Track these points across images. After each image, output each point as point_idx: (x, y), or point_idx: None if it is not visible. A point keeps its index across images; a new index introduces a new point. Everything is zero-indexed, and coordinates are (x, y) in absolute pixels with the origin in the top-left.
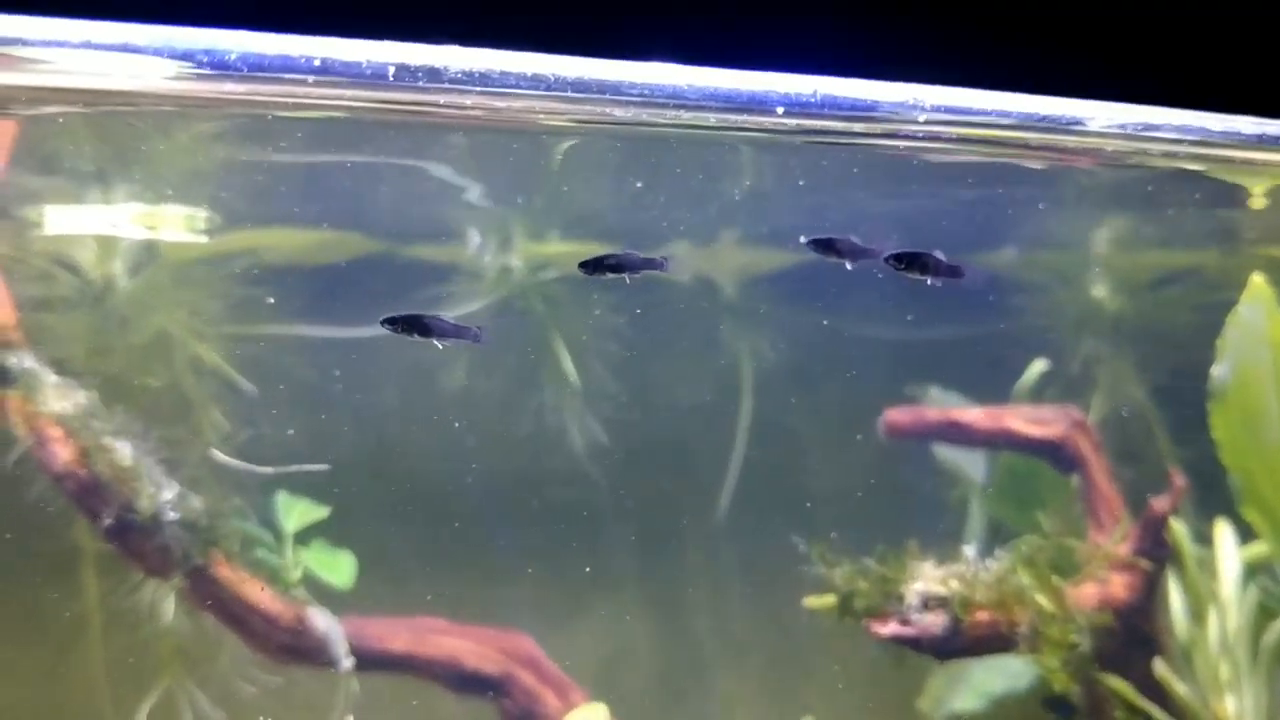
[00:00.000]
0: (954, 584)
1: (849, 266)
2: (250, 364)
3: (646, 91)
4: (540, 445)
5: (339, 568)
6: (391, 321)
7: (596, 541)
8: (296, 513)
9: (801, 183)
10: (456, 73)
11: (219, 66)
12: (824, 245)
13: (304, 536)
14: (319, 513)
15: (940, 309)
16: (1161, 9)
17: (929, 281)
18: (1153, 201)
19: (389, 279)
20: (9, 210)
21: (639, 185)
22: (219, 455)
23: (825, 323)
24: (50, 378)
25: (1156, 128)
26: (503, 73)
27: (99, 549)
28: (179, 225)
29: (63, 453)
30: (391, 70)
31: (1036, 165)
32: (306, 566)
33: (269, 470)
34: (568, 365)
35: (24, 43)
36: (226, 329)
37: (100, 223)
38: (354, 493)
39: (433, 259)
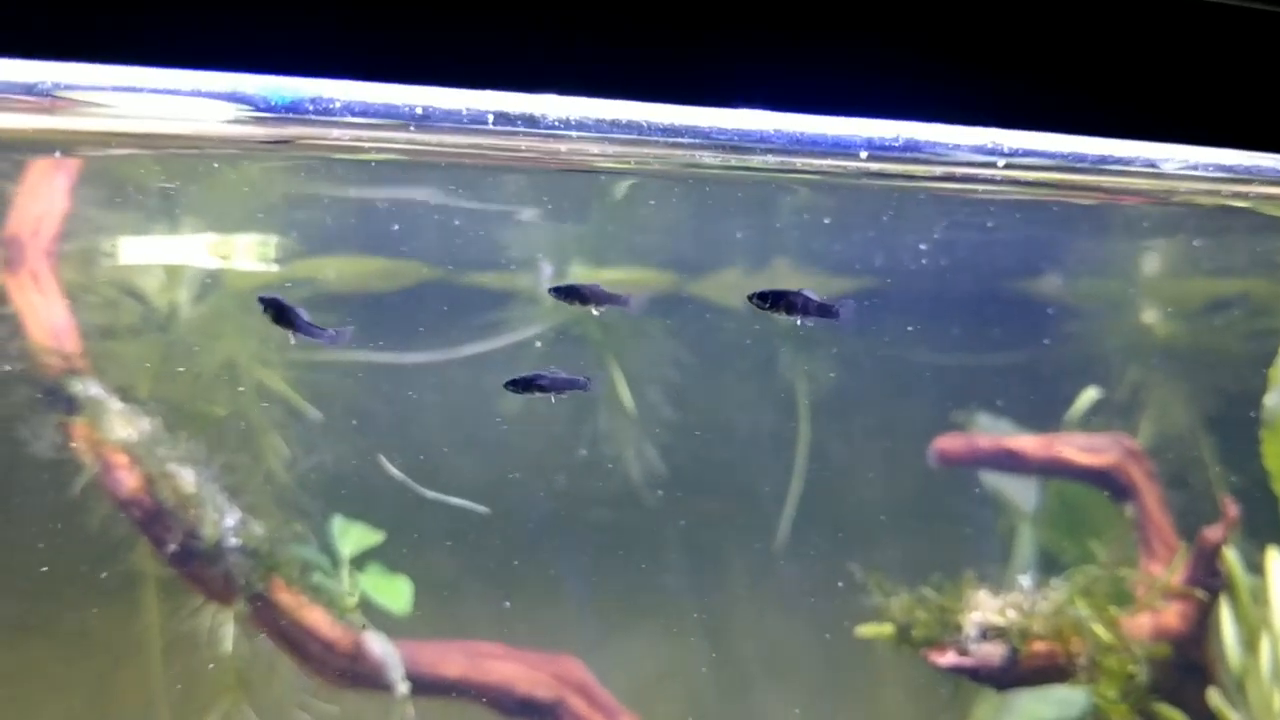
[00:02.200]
0: (1012, 614)
1: (596, 313)
2: (310, 390)
3: (736, 137)
4: (597, 470)
5: (396, 593)
6: None
7: (653, 567)
8: (352, 537)
9: (852, 212)
10: (553, 120)
11: (278, 111)
12: (567, 293)
13: (360, 561)
14: (374, 537)
15: (992, 335)
16: (1204, 53)
17: (799, 322)
18: (1201, 229)
19: (447, 306)
20: (76, 239)
21: (694, 211)
22: (387, 465)
23: (878, 349)
24: (115, 404)
25: (1229, 168)
26: (597, 120)
27: (160, 573)
28: (246, 255)
29: (128, 480)
30: (491, 118)
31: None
32: (363, 591)
33: (429, 494)
34: (624, 391)
35: (86, 88)
36: (287, 356)
37: (167, 252)
38: (410, 517)
39: (490, 285)
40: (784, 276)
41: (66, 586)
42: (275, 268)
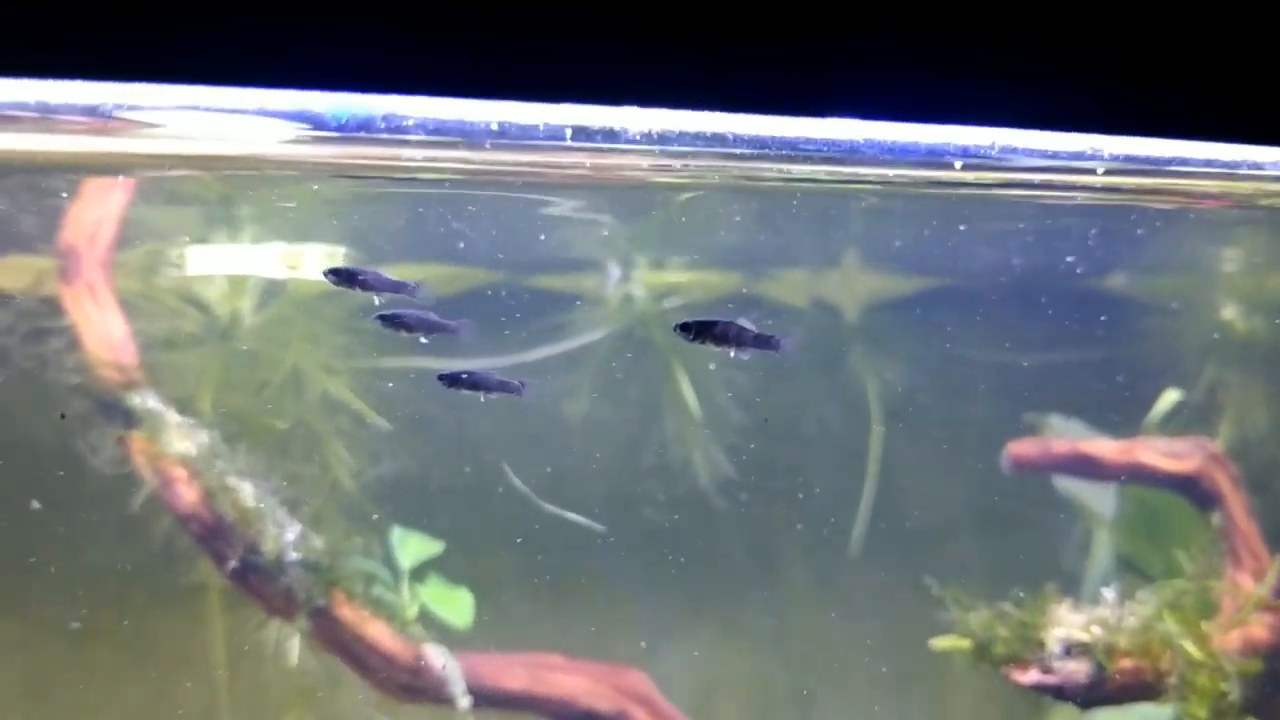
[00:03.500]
0: (1097, 630)
1: (424, 341)
2: (372, 398)
3: (824, 148)
4: (662, 476)
5: (457, 605)
6: None
7: (721, 573)
8: (411, 548)
9: (919, 210)
10: (635, 134)
11: (348, 129)
12: (345, 277)
13: (420, 572)
14: (433, 547)
15: (1064, 334)
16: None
17: (732, 354)
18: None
19: (511, 310)
20: (134, 247)
21: (759, 211)
22: (510, 475)
23: (949, 350)
24: (173, 417)
25: None
26: (680, 133)
27: (224, 587)
28: (308, 262)
29: (187, 494)
30: (569, 132)
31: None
32: (424, 603)
33: (548, 508)
34: (689, 394)
35: (139, 108)
36: (349, 363)
37: (228, 260)
38: (470, 528)
39: (554, 289)
40: (851, 276)
41: (129, 602)
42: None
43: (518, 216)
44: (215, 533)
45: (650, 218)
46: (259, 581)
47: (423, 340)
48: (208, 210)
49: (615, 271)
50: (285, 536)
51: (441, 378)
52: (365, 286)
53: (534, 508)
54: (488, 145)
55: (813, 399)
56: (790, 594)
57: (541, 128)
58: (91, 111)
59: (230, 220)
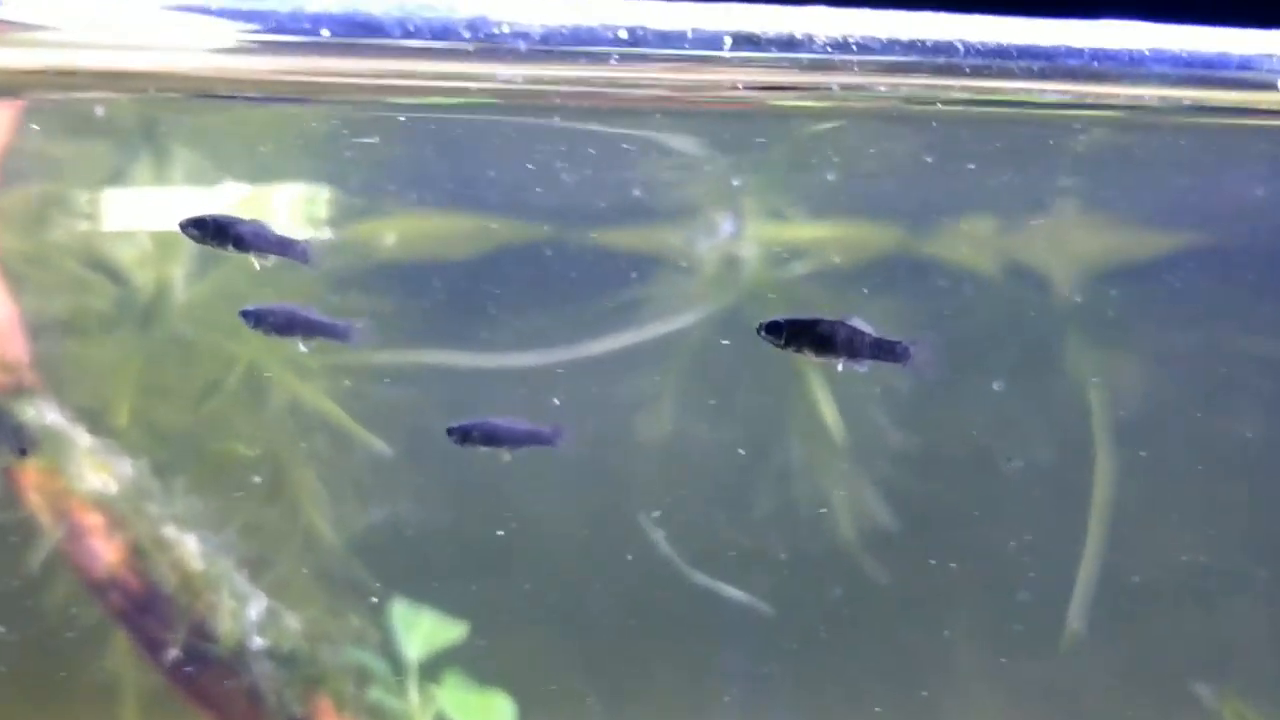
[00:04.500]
0: None
1: (262, 263)
2: (362, 410)
3: (1093, 60)
4: (785, 529)
5: (488, 714)
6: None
7: (869, 672)
8: (423, 632)
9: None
10: (823, 43)
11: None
12: (212, 231)
13: (434, 667)
14: (453, 631)
15: None
16: None
17: (839, 367)
18: None
19: (556, 279)
20: (20, 191)
21: (926, 133)
22: (651, 530)
23: (1217, 339)
24: (82, 438)
25: None
26: (889, 41)
27: (148, 686)
28: (264, 209)
29: (104, 551)
30: (728, 40)
31: None
32: (440, 712)
33: (699, 577)
34: (826, 407)
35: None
36: (330, 360)
37: (155, 208)
38: (505, 600)
39: (622, 249)
40: (1068, 227)
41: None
42: (309, 229)
43: (574, 145)
44: (145, 607)
45: (769, 145)
46: (208, 679)
47: (303, 347)
48: (127, 137)
49: (727, 225)
50: (246, 614)
51: (450, 432)
52: (240, 245)
53: (597, 576)
54: (615, 60)
55: (1008, 412)
56: (976, 700)
57: (689, 33)
58: None
59: (159, 151)
